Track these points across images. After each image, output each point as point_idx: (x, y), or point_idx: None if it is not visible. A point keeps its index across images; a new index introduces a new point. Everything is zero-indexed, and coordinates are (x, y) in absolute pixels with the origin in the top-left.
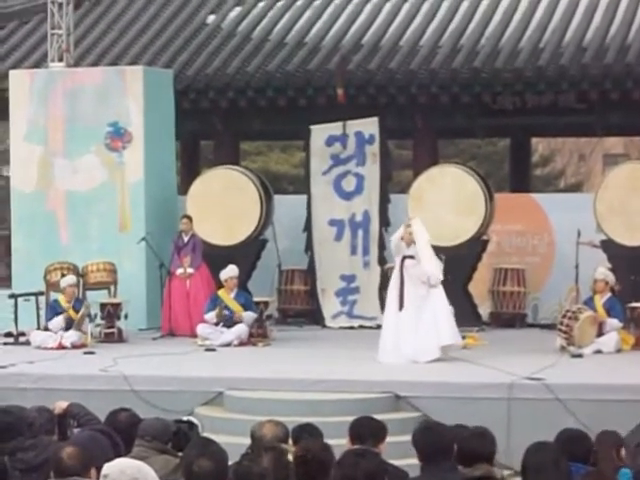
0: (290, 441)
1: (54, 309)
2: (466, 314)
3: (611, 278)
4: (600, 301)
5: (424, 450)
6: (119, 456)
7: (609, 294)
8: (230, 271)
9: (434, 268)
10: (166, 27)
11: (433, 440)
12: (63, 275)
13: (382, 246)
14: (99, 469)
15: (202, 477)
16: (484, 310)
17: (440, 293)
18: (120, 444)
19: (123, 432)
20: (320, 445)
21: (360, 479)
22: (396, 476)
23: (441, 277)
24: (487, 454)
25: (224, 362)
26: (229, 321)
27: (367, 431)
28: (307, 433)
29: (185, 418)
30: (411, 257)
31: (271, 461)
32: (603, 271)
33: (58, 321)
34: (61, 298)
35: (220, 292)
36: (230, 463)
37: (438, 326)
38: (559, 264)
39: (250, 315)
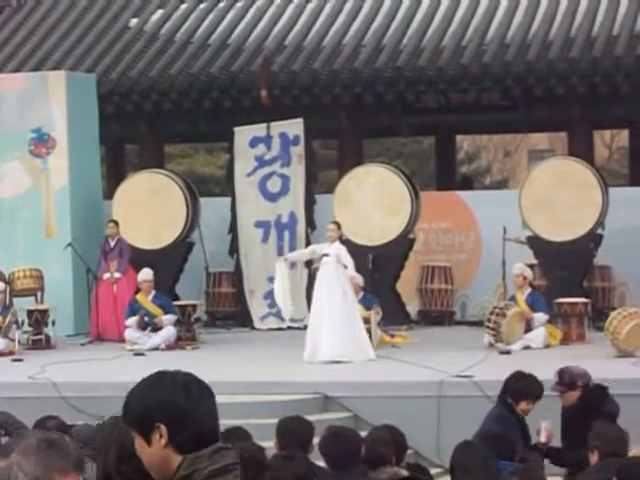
0: None
1: None
2: (394, 313)
3: (528, 273)
4: (522, 297)
5: (332, 456)
6: None
7: (529, 289)
8: (144, 275)
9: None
10: (88, 31)
11: (341, 446)
12: None
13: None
14: None
15: None
16: (412, 308)
17: (355, 308)
18: None
19: None
20: (256, 447)
21: None
22: (325, 478)
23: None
24: (391, 456)
25: (153, 366)
26: (151, 326)
27: (294, 431)
28: (236, 436)
29: None
30: (326, 255)
31: None
32: (520, 266)
33: None
34: None
35: (138, 296)
36: None
37: (345, 339)
38: (486, 261)
39: (168, 318)
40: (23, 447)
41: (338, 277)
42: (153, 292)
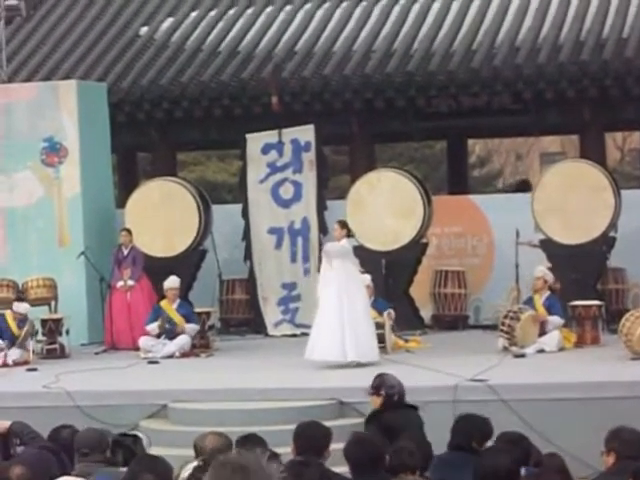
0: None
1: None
2: (408, 318)
3: (550, 276)
4: (540, 300)
5: (355, 461)
6: (65, 473)
7: (548, 292)
8: (171, 282)
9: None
10: (99, 40)
11: (364, 451)
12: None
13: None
14: None
15: None
16: (426, 313)
17: (358, 309)
18: (66, 461)
19: (66, 449)
20: (269, 453)
21: None
22: None
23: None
24: (416, 466)
25: (167, 374)
26: (170, 333)
27: (311, 436)
28: (251, 443)
29: (129, 432)
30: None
31: None
32: (542, 269)
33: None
34: (8, 314)
35: (162, 303)
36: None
37: (351, 339)
38: (499, 265)
39: (192, 327)
40: (219, 459)
41: (338, 276)
42: (178, 301)
